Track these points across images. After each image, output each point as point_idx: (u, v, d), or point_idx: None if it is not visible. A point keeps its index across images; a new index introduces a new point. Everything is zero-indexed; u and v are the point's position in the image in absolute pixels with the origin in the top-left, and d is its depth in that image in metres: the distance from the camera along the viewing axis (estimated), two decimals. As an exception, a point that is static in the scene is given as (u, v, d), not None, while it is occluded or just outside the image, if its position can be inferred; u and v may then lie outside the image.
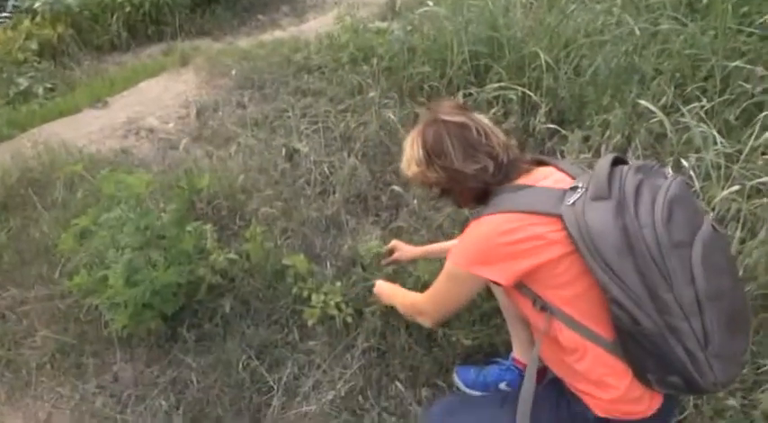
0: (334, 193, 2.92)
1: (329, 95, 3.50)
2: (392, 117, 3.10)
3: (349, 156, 3.03)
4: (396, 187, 2.80)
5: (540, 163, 1.63)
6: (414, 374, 2.19)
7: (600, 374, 1.44)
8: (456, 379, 2.18)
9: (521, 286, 1.50)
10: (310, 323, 2.28)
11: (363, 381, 2.17)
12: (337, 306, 2.30)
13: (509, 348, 2.13)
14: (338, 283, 2.38)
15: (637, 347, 1.36)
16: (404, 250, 2.28)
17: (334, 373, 2.19)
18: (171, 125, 3.74)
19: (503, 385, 2.11)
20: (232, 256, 2.38)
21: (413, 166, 1.65)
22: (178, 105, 3.94)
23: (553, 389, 1.58)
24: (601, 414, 1.45)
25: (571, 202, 1.40)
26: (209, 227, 2.31)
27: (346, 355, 2.24)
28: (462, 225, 2.66)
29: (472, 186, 1.58)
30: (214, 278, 2.30)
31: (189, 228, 2.35)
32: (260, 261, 2.42)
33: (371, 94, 3.25)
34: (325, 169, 2.98)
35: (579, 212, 1.37)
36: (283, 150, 3.11)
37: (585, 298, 1.41)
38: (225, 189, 2.85)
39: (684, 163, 2.40)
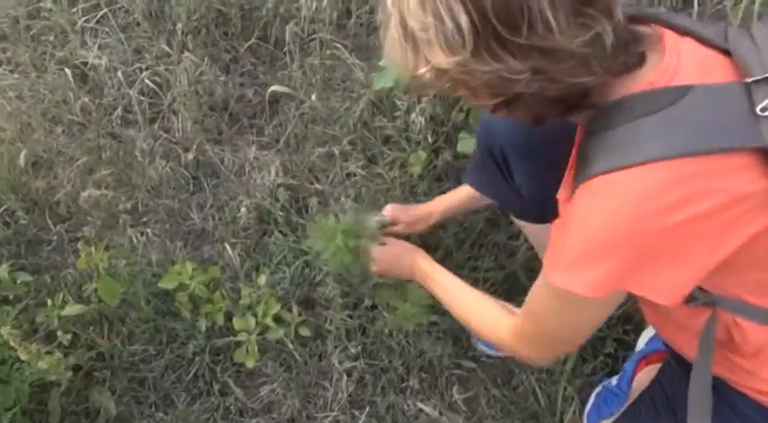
0: (176, 115, 1.87)
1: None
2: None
3: (173, 47, 1.92)
4: (265, 76, 1.78)
5: (638, 20, 0.81)
6: (430, 373, 1.45)
7: None
8: (479, 346, 1.49)
9: None
10: (250, 365, 1.43)
11: (368, 419, 1.41)
12: (277, 319, 1.45)
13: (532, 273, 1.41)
14: (261, 277, 1.50)
15: None
16: (410, 214, 1.40)
17: (321, 426, 1.41)
18: None
19: None
20: (72, 310, 1.39)
21: (436, 55, 0.73)
22: None
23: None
24: None
25: None
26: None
27: (327, 388, 1.44)
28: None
29: (574, 81, 0.74)
30: (62, 376, 1.32)
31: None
32: (128, 299, 1.45)
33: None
34: (147, 82, 1.88)
35: None
36: (69, 73, 1.93)
37: None
38: (7, 179, 1.74)
39: None
